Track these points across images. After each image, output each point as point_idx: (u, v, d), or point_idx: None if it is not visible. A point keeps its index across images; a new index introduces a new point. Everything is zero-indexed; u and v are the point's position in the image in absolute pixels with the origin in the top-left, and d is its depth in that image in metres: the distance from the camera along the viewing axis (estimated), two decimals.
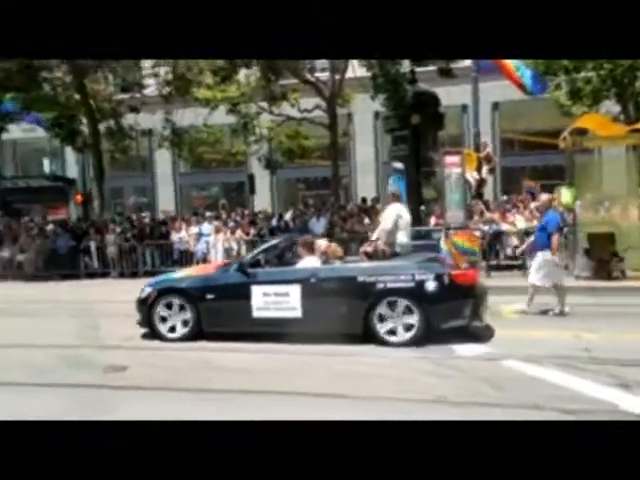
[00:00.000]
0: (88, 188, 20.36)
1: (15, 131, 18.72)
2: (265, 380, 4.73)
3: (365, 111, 18.67)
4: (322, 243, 6.68)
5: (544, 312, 7.16)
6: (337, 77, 15.14)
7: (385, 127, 12.80)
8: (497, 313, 6.85)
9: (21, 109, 15.73)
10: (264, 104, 15.21)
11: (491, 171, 15.24)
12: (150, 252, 15.38)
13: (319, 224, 14.26)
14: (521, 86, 13.36)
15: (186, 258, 15.15)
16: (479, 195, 13.76)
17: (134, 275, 14.53)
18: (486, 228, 11.69)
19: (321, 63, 16.42)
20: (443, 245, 6.72)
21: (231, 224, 15.63)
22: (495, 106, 19.30)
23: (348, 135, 19.64)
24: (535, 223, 9.52)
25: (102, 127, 17.23)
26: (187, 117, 17.53)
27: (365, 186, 19.45)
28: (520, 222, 11.92)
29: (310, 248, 6.53)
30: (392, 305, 5.80)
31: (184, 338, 6.30)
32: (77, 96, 16.40)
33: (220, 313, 6.31)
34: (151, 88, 17.60)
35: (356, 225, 14.12)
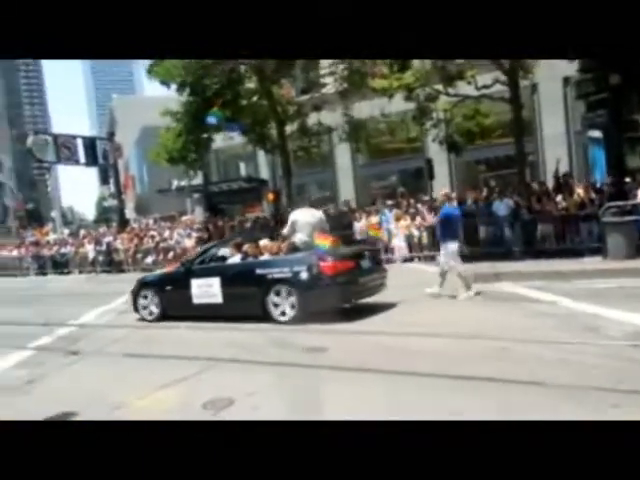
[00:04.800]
0: (278, 186, 22.12)
1: (218, 140, 21.21)
2: (456, 365, 4.65)
3: (552, 79, 16.99)
4: (267, 243, 8.04)
5: None
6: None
7: (578, 92, 11.47)
8: None
9: (224, 120, 17.77)
10: (440, 87, 14.82)
11: None
12: None
13: (503, 206, 13.46)
14: None
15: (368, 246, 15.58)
16: None
17: None
18: None
19: None
20: (318, 240, 7.75)
21: (411, 211, 15.63)
22: None
23: (533, 107, 18.11)
24: None
25: (288, 129, 18.56)
26: (364, 110, 17.97)
27: (554, 163, 17.74)
28: None
29: (238, 247, 8.14)
30: (279, 291, 7.21)
31: (156, 320, 8.22)
32: (265, 102, 17.93)
33: (173, 301, 8.20)
34: (329, 86, 18.43)
35: (547, 205, 13.02)
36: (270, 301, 7.23)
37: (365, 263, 7.82)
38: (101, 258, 20.46)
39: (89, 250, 21.11)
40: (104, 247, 20.73)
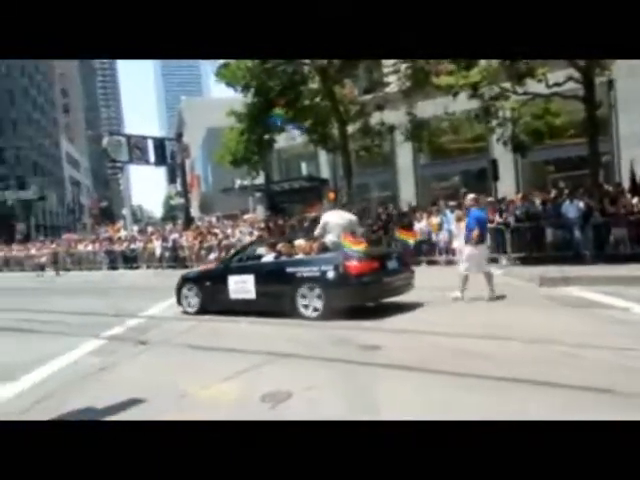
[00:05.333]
0: (338, 186, 22.20)
1: (280, 141, 21.57)
2: (520, 368, 4.52)
3: (631, 75, 16.08)
4: (301, 243, 8.39)
5: None
6: None
7: None
8: None
9: (286, 121, 18.07)
10: (507, 85, 14.36)
11: None
12: (394, 243, 16.05)
13: (573, 208, 12.88)
14: None
15: (428, 248, 15.37)
16: None
17: None
18: None
19: None
20: (344, 241, 8.10)
21: None
22: None
23: (609, 105, 17.19)
24: None
25: (350, 128, 18.59)
26: (427, 109, 17.71)
27: (634, 161, 16.75)
28: None
29: (272, 247, 8.76)
30: (308, 289, 7.55)
31: (196, 312, 8.72)
32: (327, 102, 18.05)
33: (212, 295, 8.69)
34: (392, 85, 18.30)
35: (621, 207, 12.33)
36: (299, 298, 7.61)
37: (391, 264, 8.15)
38: (167, 254, 21.31)
39: (156, 246, 22.04)
40: (170, 244, 21.58)
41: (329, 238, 8.37)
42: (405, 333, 6.37)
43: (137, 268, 21.87)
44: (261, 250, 8.99)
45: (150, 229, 28.43)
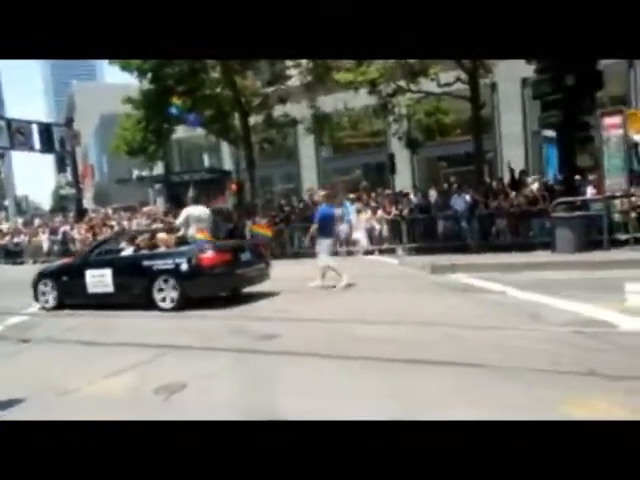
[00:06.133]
0: (241, 178, 22.00)
1: (179, 131, 20.89)
2: (414, 350, 4.81)
3: (510, 79, 17.52)
4: (163, 236, 8.60)
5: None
6: None
7: (534, 93, 11.80)
8: None
9: (184, 111, 17.49)
10: (403, 83, 15.04)
11: None
12: (297, 234, 16.24)
13: (461, 201, 13.82)
14: None
15: None
16: None
17: (282, 256, 15.44)
18: None
19: None
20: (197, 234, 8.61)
21: (373, 204, 15.81)
22: None
23: (492, 106, 18.60)
24: None
25: (252, 120, 18.45)
26: (329, 104, 18.04)
27: (512, 159, 18.29)
28: None
29: (131, 241, 9.01)
30: (163, 281, 7.82)
31: (54, 308, 8.72)
32: (229, 92, 17.77)
33: (69, 290, 8.70)
34: (294, 79, 18.40)
35: (502, 202, 13.43)
36: (155, 290, 7.88)
37: (245, 256, 8.51)
38: (56, 248, 19.91)
39: (44, 240, 20.51)
40: (60, 237, 20.18)
41: (190, 231, 8.80)
42: (302, 321, 6.50)
43: (22, 263, 20.20)
44: (123, 244, 9.29)
45: (37, 221, 26.32)
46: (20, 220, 29.57)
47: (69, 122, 25.68)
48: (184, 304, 7.67)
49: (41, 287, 8.97)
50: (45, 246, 20.18)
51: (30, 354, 5.89)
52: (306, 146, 22.95)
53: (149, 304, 7.87)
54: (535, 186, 13.60)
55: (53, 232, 20.80)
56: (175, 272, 7.79)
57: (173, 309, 7.70)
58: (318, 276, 8.97)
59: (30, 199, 72.23)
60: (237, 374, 4.46)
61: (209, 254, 7.87)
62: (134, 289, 8.10)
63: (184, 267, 7.77)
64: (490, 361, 4.25)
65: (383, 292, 8.31)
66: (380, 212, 15.18)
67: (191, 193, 10.27)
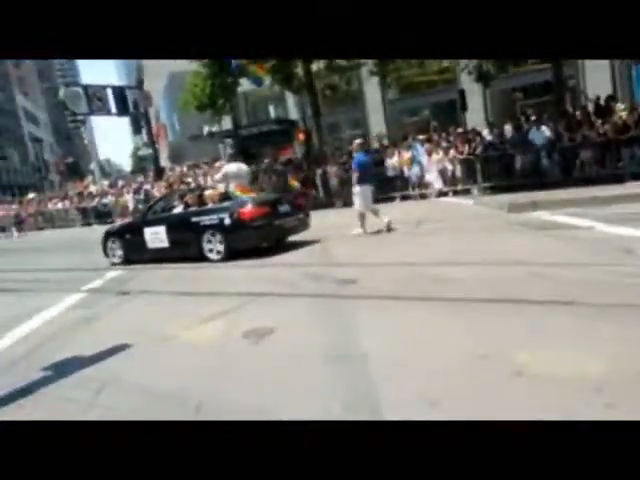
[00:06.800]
0: (308, 126, 21.90)
1: (244, 84, 20.95)
2: (494, 290, 4.76)
3: None
4: (210, 193, 9.17)
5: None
6: None
7: None
8: None
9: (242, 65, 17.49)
10: None
11: None
12: None
13: (540, 135, 13.05)
14: None
15: (401, 183, 15.49)
16: None
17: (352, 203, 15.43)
18: None
19: None
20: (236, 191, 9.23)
21: (444, 144, 15.33)
22: None
23: None
24: None
25: (314, 66, 18.13)
26: None
27: (597, 86, 16.88)
28: None
29: (181, 199, 9.66)
30: (210, 235, 8.47)
31: (121, 263, 9.59)
32: None
33: (132, 246, 9.53)
34: None
35: (586, 131, 12.54)
36: (205, 244, 8.55)
37: (283, 208, 8.98)
38: (140, 206, 21.05)
39: (129, 199, 21.71)
40: (142, 196, 21.27)
41: (231, 187, 9.42)
42: (378, 266, 6.57)
43: (112, 222, 21.58)
44: (176, 202, 10.02)
45: (121, 182, 27.84)
46: (105, 182, 31.36)
47: (140, 84, 26.45)
48: (230, 256, 8.29)
49: (109, 244, 9.94)
50: (131, 205, 21.37)
51: (130, 305, 6.40)
52: (371, 89, 22.33)
53: (200, 256, 8.55)
54: (624, 112, 12.55)
55: (136, 192, 21.95)
56: (219, 226, 8.43)
57: (221, 260, 8.36)
58: (358, 224, 9.27)
59: (112, 161, 75.98)
60: (322, 319, 4.64)
61: (249, 208, 8.44)
62: (185, 243, 8.83)
63: (227, 221, 8.39)
64: (581, 298, 4.13)
65: (461, 233, 8.18)
66: (452, 152, 14.69)
67: (229, 150, 10.81)
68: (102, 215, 22.28)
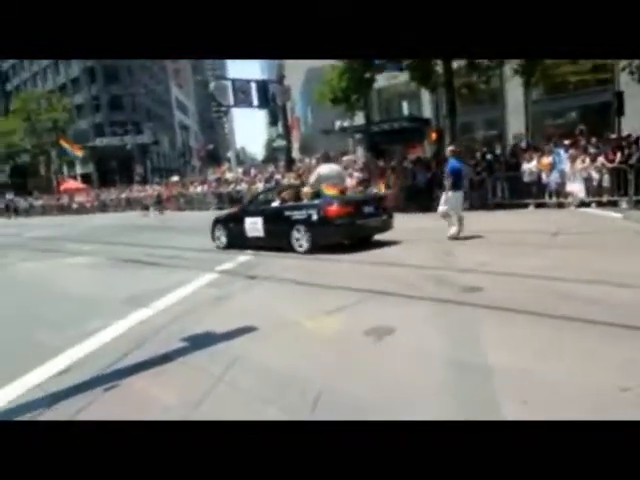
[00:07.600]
0: (441, 125, 21.38)
1: (380, 80, 21.00)
2: (624, 315, 4.31)
3: None
4: (306, 190, 9.72)
5: None
6: None
7: None
8: None
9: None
10: None
11: None
12: (500, 184, 15.38)
13: None
14: None
15: (537, 190, 14.56)
16: None
17: (484, 207, 14.83)
18: None
19: None
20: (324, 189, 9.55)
21: (591, 151, 14.10)
22: None
23: None
24: None
25: (455, 64, 17.61)
26: None
27: None
28: None
29: (278, 194, 10.47)
30: (298, 229, 9.24)
31: (224, 248, 10.64)
32: None
33: (235, 234, 10.51)
34: None
35: None
36: (293, 236, 9.30)
37: (368, 208, 9.55)
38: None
39: (260, 187, 22.92)
40: (273, 184, 22.32)
41: (323, 187, 9.82)
42: (507, 276, 6.25)
43: None
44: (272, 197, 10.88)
45: (253, 171, 29.49)
46: (240, 170, 33.43)
47: (281, 79, 27.70)
48: (313, 249, 9.02)
49: (216, 231, 11.01)
50: None
51: (257, 289, 6.79)
52: (514, 88, 21.14)
53: (288, 247, 9.31)
54: None
55: (267, 181, 23.10)
56: (307, 221, 9.19)
57: (305, 253, 9.09)
58: (449, 226, 9.63)
59: (247, 151, 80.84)
60: (443, 323, 4.54)
61: (334, 207, 9.07)
62: (278, 234, 9.63)
63: (314, 217, 9.12)
64: None
65: (605, 249, 7.48)
66: (601, 159, 13.44)
67: (322, 152, 11.17)
68: (235, 201, 23.73)
